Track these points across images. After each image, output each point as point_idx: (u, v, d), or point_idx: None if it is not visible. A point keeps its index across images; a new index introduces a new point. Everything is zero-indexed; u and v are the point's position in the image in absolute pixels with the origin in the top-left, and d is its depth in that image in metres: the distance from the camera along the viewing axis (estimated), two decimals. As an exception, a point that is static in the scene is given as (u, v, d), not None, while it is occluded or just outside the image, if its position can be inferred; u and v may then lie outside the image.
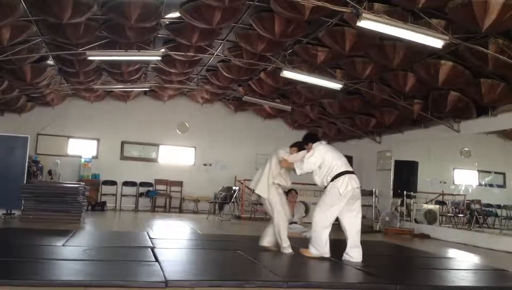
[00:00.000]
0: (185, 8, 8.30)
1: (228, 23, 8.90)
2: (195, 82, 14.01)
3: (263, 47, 9.59)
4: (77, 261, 4.89)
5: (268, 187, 6.21)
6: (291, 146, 6.43)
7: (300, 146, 6.31)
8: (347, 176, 5.79)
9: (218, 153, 16.05)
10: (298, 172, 5.99)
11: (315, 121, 15.63)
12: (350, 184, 5.74)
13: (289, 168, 6.26)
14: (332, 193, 5.77)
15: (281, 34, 8.73)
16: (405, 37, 7.54)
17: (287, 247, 6.18)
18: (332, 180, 5.80)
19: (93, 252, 5.51)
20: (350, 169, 5.95)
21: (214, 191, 14.90)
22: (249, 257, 5.65)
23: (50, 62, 11.37)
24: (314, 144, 6.09)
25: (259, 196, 6.32)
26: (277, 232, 6.24)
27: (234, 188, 13.94)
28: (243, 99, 14.13)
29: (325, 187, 5.92)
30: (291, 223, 8.74)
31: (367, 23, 6.93)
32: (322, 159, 5.91)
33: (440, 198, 12.45)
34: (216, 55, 10.90)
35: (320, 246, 5.79)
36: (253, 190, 6.37)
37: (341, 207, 5.77)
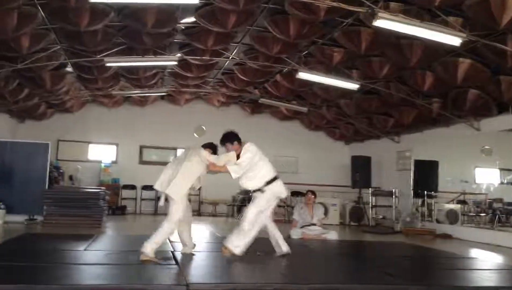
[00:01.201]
0: (200, 12, 8.36)
1: (243, 26, 8.93)
2: (211, 86, 14.07)
3: (278, 49, 9.59)
4: (99, 265, 4.96)
5: (182, 190, 5.54)
6: (205, 147, 5.86)
7: (214, 147, 5.87)
8: (280, 181, 5.87)
9: (236, 156, 16.07)
10: (235, 176, 5.67)
11: (332, 122, 15.57)
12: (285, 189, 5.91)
13: (219, 172, 5.80)
14: (270, 196, 5.78)
15: (296, 36, 8.73)
16: (422, 36, 7.47)
17: (146, 253, 5.24)
18: (268, 183, 5.74)
19: (115, 256, 5.57)
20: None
21: (232, 194, 14.92)
22: (269, 259, 5.64)
23: (69, 69, 11.54)
24: (247, 144, 5.82)
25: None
26: (158, 236, 5.35)
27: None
28: (259, 101, 14.14)
29: (256, 190, 5.82)
30: (310, 225, 8.72)
31: (383, 23, 6.90)
32: (257, 160, 5.75)
33: (461, 198, 12.28)
34: (231, 58, 10.94)
35: (246, 244, 5.67)
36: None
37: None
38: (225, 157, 5.76)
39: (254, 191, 5.92)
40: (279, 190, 5.83)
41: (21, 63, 9.71)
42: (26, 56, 9.41)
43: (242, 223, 5.71)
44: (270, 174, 5.79)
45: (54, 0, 7.56)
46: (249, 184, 5.81)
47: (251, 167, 5.71)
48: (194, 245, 6.02)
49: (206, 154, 5.72)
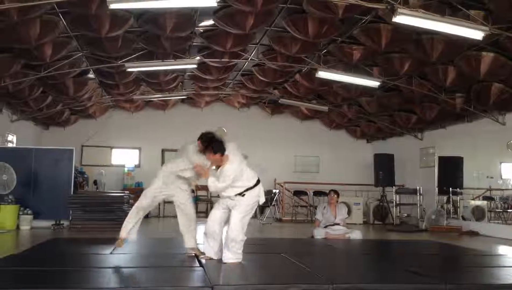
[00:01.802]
0: (218, 15, 8.40)
1: (261, 27, 8.94)
2: (231, 87, 14.12)
3: (297, 49, 9.57)
4: (125, 268, 5.01)
5: (166, 168, 5.63)
6: (199, 138, 5.38)
7: (209, 140, 5.28)
8: (260, 187, 5.36)
9: (257, 157, 15.98)
10: (211, 189, 5.21)
11: (353, 120, 15.46)
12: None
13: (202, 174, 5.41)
14: (249, 201, 5.26)
15: (315, 35, 8.69)
16: (443, 31, 7.37)
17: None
18: (248, 189, 5.23)
19: (140, 259, 5.63)
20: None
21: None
22: (293, 260, 5.63)
23: (91, 75, 11.73)
24: (230, 159, 5.16)
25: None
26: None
27: (274, 191, 13.93)
28: (279, 101, 14.14)
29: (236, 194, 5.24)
30: (333, 224, 8.66)
31: (403, 18, 6.83)
32: (241, 169, 5.19)
33: (487, 194, 12.06)
34: (250, 59, 10.96)
35: (239, 252, 5.27)
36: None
37: None
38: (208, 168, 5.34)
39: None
40: (258, 194, 5.34)
41: (44, 71, 9.91)
42: (49, 64, 9.60)
43: (228, 232, 5.24)
44: (251, 182, 5.28)
45: (75, 8, 7.68)
46: (229, 191, 5.22)
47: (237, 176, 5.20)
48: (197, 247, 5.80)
49: (192, 149, 5.43)
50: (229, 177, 5.10)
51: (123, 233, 5.71)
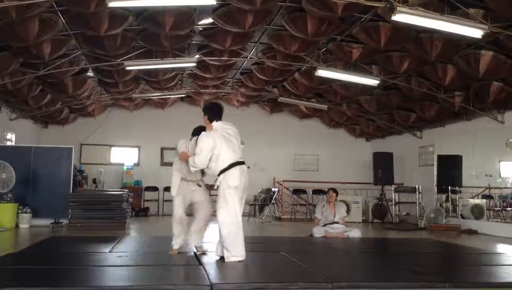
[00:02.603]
0: (217, 13, 8.39)
1: (260, 25, 8.92)
2: (230, 86, 14.10)
3: (296, 47, 9.56)
4: (124, 267, 5.02)
5: (172, 185, 5.78)
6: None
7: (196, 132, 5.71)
8: (238, 169, 5.18)
9: (256, 155, 16.00)
10: (192, 169, 5.26)
11: (353, 119, 15.46)
12: (241, 177, 5.19)
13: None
14: (224, 190, 5.18)
15: (314, 33, 8.68)
16: (442, 29, 7.37)
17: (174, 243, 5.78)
18: (222, 172, 5.16)
19: (139, 257, 5.63)
20: (240, 159, 5.27)
21: (254, 194, 14.92)
22: (292, 259, 5.63)
23: (90, 74, 11.72)
24: (211, 128, 5.37)
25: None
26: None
27: (273, 189, 13.93)
28: (278, 100, 14.13)
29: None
30: (332, 223, 8.67)
31: (402, 17, 6.83)
32: (214, 143, 5.15)
33: (486, 192, 12.07)
34: (249, 58, 10.95)
35: (238, 248, 5.17)
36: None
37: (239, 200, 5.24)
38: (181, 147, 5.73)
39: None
40: (232, 179, 5.15)
41: (43, 69, 9.90)
42: (48, 62, 9.59)
43: (219, 230, 5.20)
44: (225, 163, 5.17)
45: (74, 6, 7.67)
46: (212, 167, 5.24)
47: (213, 157, 5.17)
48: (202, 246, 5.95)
49: (180, 143, 5.84)
50: (199, 145, 5.19)
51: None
